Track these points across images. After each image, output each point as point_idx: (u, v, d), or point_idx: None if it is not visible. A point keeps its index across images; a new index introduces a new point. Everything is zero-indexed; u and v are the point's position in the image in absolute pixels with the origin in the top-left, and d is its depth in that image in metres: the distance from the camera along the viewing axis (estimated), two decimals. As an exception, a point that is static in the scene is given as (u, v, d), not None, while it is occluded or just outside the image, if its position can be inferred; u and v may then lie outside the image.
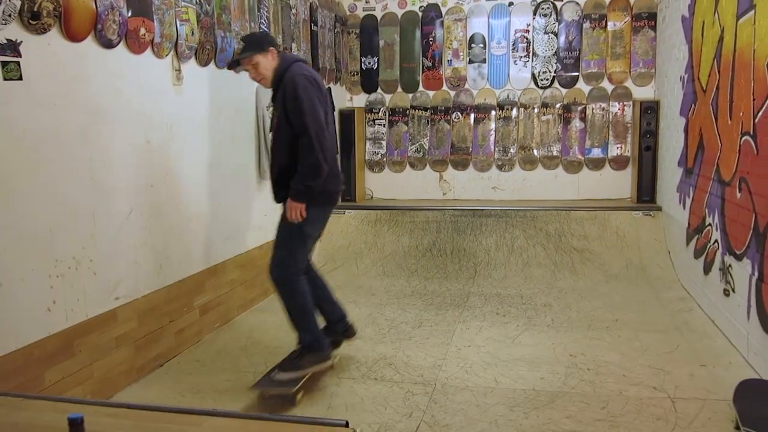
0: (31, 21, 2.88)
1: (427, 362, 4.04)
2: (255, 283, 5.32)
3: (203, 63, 4.43)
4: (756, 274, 3.78)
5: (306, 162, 3.44)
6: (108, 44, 3.40)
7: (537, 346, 4.28)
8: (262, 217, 5.42)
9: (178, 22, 4.01)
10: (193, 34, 4.18)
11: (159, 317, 3.98)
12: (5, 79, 2.80)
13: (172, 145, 4.13)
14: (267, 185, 5.40)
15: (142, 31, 3.64)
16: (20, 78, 2.86)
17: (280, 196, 3.68)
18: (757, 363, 3.67)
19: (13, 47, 2.82)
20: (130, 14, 3.52)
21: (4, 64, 2.79)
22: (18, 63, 2.85)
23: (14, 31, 2.84)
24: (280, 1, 5.61)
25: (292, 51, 5.91)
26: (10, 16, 2.76)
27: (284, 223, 3.66)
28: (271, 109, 5.38)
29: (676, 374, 3.73)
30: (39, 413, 1.96)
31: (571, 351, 4.16)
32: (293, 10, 5.91)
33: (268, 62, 3.58)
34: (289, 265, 3.64)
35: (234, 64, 3.82)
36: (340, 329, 4.04)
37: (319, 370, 3.70)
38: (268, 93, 5.31)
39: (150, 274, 3.89)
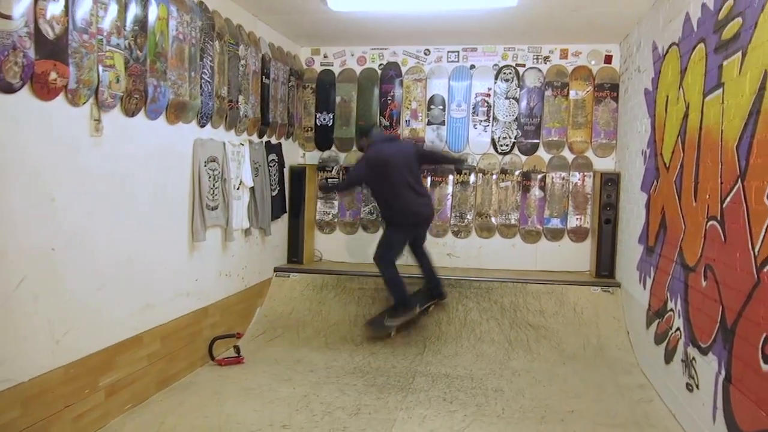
0: None
1: (361, 460, 3.59)
2: (179, 357, 4.79)
3: (130, 113, 4.01)
4: (723, 373, 3.46)
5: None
6: (7, 88, 2.97)
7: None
8: (192, 282, 4.94)
9: (100, 68, 3.61)
10: (118, 81, 3.78)
11: (51, 402, 3.42)
12: None
13: (83, 203, 3.65)
14: (200, 247, 5.00)
15: (53, 75, 3.22)
16: None
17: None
18: (725, 474, 3.32)
19: None
20: (37, 57, 3.11)
21: None
22: None
23: None
24: (227, 52, 5.27)
25: (239, 103, 5.56)
26: None
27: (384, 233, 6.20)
28: (212, 164, 5.03)
29: (636, 486, 3.34)
30: None
31: (522, 450, 3.76)
32: (242, 61, 5.57)
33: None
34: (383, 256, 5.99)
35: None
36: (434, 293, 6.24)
37: (408, 318, 5.94)
38: (206, 149, 4.98)
39: (42, 351, 3.37)
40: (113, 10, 3.71)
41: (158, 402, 4.38)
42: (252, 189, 5.87)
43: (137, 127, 4.15)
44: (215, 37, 5.07)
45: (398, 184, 5.73)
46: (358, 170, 6.01)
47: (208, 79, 4.96)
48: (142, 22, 4.03)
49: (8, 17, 2.91)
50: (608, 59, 6.87)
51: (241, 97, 5.59)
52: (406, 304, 5.88)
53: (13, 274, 3.14)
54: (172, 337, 4.69)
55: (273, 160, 6.48)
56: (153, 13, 4.15)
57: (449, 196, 7.20)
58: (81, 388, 3.68)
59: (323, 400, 4.49)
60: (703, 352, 3.81)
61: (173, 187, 4.64)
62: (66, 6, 3.30)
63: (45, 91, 3.21)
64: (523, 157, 7.08)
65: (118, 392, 4.05)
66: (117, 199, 3.98)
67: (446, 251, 7.22)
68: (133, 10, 3.93)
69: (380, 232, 7.35)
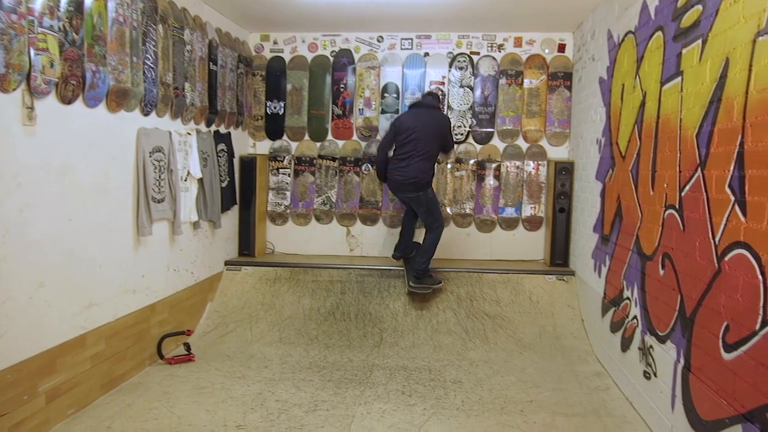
0: None
1: (320, 460, 3.48)
2: (126, 356, 4.57)
3: (67, 101, 3.74)
4: (682, 361, 3.46)
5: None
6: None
7: (445, 436, 3.80)
8: (138, 278, 4.71)
9: (32, 51, 3.35)
10: (52, 66, 3.51)
11: (-15, 412, 3.19)
12: None
13: (16, 197, 3.39)
14: (146, 241, 4.77)
15: (-21, 59, 2.97)
16: None
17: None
18: (686, 463, 3.32)
19: None
20: (-40, 38, 2.86)
21: None
22: None
23: None
24: (171, 36, 5.02)
25: (185, 91, 5.31)
26: None
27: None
28: (158, 155, 4.79)
29: (599, 477, 3.32)
30: None
31: (483, 444, 3.70)
32: (188, 47, 5.32)
33: None
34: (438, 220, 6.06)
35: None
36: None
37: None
38: (150, 139, 4.73)
39: (-27, 358, 3.13)
40: (46, -12, 3.45)
41: (104, 405, 4.16)
42: (200, 180, 5.63)
43: (75, 115, 3.88)
44: (158, 21, 4.81)
45: (415, 150, 5.91)
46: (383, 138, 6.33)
47: (152, 65, 4.71)
48: (77, 3, 3.74)
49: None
50: (562, 48, 6.86)
51: (187, 85, 5.34)
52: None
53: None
54: (118, 336, 4.45)
55: (222, 150, 6.25)
56: (91, -8, 3.88)
57: (404, 186, 7.09)
58: (19, 394, 3.45)
59: (279, 398, 4.35)
60: (661, 340, 3.81)
61: (116, 179, 4.39)
62: (-8, -17, 3.04)
63: (-30, 75, 2.95)
64: (478, 146, 7.03)
65: (60, 397, 3.81)
66: (55, 191, 3.72)
67: (401, 242, 7.12)
68: (68, -10, 3.67)
69: (334, 223, 7.24)
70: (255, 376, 4.77)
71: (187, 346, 5.15)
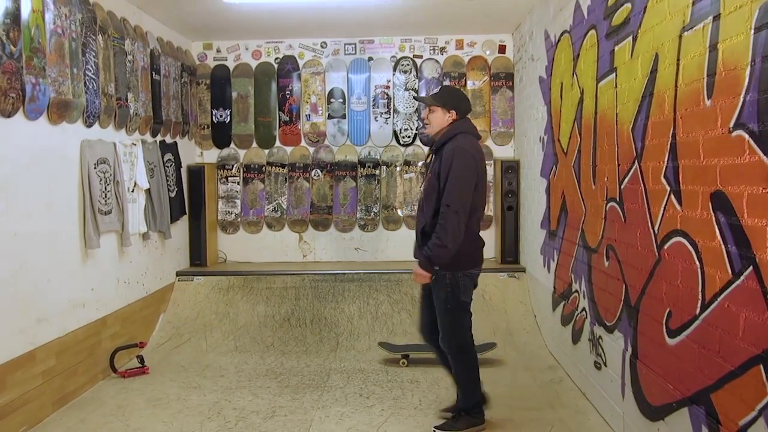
0: None
1: (280, 465, 3.48)
2: (78, 371, 4.48)
3: (7, 114, 3.67)
4: (629, 349, 3.58)
5: (437, 236, 3.60)
6: None
7: (404, 434, 3.83)
8: (87, 291, 4.63)
9: (-33, 65, 3.28)
10: (-11, 79, 3.45)
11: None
12: None
13: (-42, 212, 3.32)
14: (95, 254, 4.68)
15: None
16: None
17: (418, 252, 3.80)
18: (636, 446, 3.43)
19: None
20: None
21: None
22: None
23: None
24: (111, 47, 4.94)
25: (128, 101, 5.23)
26: None
27: (438, 293, 3.75)
28: (103, 166, 4.71)
29: (555, 466, 3.40)
30: None
31: (442, 439, 3.75)
32: (129, 56, 5.24)
33: (440, 118, 3.81)
34: (457, 336, 3.78)
35: (420, 101, 4.18)
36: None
37: None
38: (95, 150, 4.65)
39: None
40: (-20, 1, 3.38)
41: (56, 421, 4.08)
42: (148, 191, 5.55)
43: (16, 128, 3.82)
44: (98, 31, 4.74)
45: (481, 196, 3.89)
46: (463, 186, 3.65)
47: (93, 76, 4.63)
48: (14, 15, 3.68)
49: None
50: (502, 49, 7.01)
51: (130, 95, 5.26)
52: (478, 412, 3.91)
53: None
54: (69, 351, 4.37)
55: (169, 160, 6.17)
56: (26, 5, 3.80)
57: (354, 190, 7.13)
58: (-35, 415, 3.35)
59: (236, 406, 4.33)
60: (609, 330, 3.93)
61: (61, 192, 4.31)
62: None
63: None
64: (425, 148, 7.10)
65: (11, 414, 3.73)
66: (-3, 206, 3.64)
67: (354, 245, 7.15)
68: (3, 2, 3.58)
69: (286, 230, 7.20)
70: (211, 386, 4.73)
71: (141, 359, 5.07)
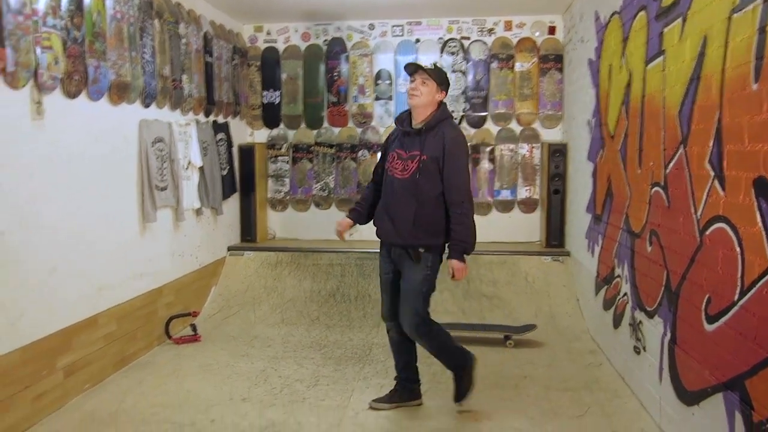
0: None
1: (320, 429, 3.66)
2: (136, 336, 4.79)
3: (72, 95, 3.90)
4: (668, 335, 3.59)
5: (464, 222, 3.67)
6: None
7: (441, 409, 3.95)
8: (145, 262, 4.90)
9: (38, 50, 3.50)
10: (57, 63, 3.66)
11: (10, 384, 3.42)
12: None
13: (29, 186, 3.58)
14: (152, 228, 4.92)
15: (-10, 57, 3.10)
16: None
17: (408, 240, 3.70)
18: (671, 431, 3.45)
19: None
20: (-32, 38, 2.98)
21: None
22: None
23: None
24: (167, 30, 5.13)
25: (182, 83, 5.44)
26: None
27: (416, 275, 3.73)
28: (159, 144, 4.92)
29: (587, 443, 3.45)
30: None
31: (477, 416, 3.85)
32: (183, 40, 5.43)
33: (431, 94, 3.70)
34: (425, 316, 3.81)
35: (413, 67, 3.81)
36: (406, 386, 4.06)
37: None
38: (152, 129, 4.86)
39: (-1, 334, 3.33)
40: (47, -11, 3.58)
41: (117, 381, 4.37)
42: (201, 168, 5.78)
43: (80, 108, 4.05)
44: (154, 16, 4.94)
45: None
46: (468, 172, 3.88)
47: (150, 59, 4.84)
48: (78, 2, 3.91)
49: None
50: (552, 30, 6.95)
51: (184, 77, 5.47)
52: (471, 364, 3.99)
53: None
54: (128, 317, 4.67)
55: (221, 139, 6.38)
56: (89, -9, 4.00)
57: (400, 171, 7.20)
58: (39, 369, 3.68)
59: (281, 374, 4.53)
60: (650, 315, 3.94)
61: (121, 169, 4.58)
62: (-2, -15, 3.16)
63: (-22, 73, 3.08)
64: (472, 130, 7.13)
65: (76, 373, 4.04)
66: (64, 181, 3.91)
67: (399, 226, 7.25)
68: (68, -11, 3.79)
69: (333, 208, 7.36)
70: (259, 355, 4.95)
71: (194, 327, 5.34)
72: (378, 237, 3.93)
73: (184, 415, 3.78)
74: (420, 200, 3.65)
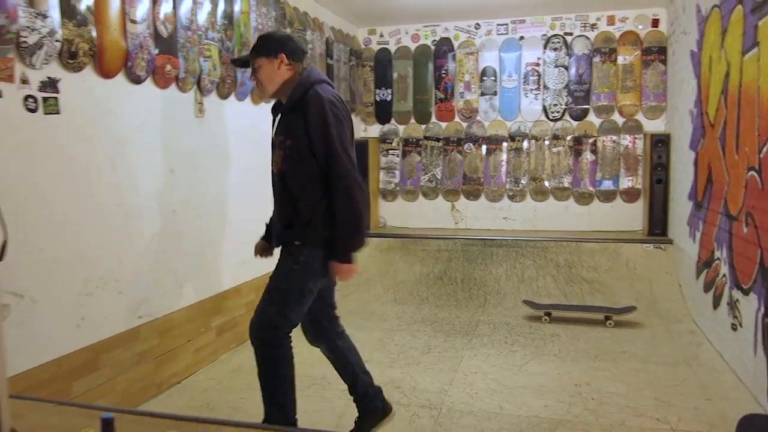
0: (69, 60, 3.07)
1: (434, 387, 4.13)
2: (270, 306, 5.49)
3: (224, 96, 4.61)
4: (762, 309, 3.83)
5: (346, 209, 2.87)
6: (137, 80, 3.58)
7: (543, 374, 4.34)
8: (278, 243, 5.59)
9: (201, 59, 4.19)
10: (215, 69, 4.36)
11: (177, 336, 4.15)
12: (46, 114, 3.02)
13: (193, 173, 4.31)
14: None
15: (168, 67, 3.82)
16: (58, 112, 3.08)
17: (282, 238, 3.10)
18: (764, 399, 3.71)
19: (52, 84, 3.03)
20: (157, 52, 3.70)
21: (45, 99, 3.00)
22: (56, 98, 3.07)
23: (54, 69, 3.06)
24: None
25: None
26: (50, 56, 2.95)
27: (280, 275, 3.06)
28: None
29: (680, 407, 3.77)
30: (71, 418, 2.11)
31: (576, 381, 4.22)
32: (310, 45, 6.09)
33: (272, 71, 2.92)
34: (279, 326, 3.03)
35: (237, 63, 3.25)
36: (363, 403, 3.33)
37: None
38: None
39: (170, 294, 4.06)
40: (207, 7, 4.28)
41: (256, 344, 5.08)
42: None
43: (229, 108, 4.76)
44: (287, 25, 5.59)
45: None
46: (345, 141, 2.98)
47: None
48: (229, 17, 4.58)
49: (135, 22, 3.49)
50: (655, 23, 7.11)
51: (311, 79, 6.13)
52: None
53: (146, 232, 3.82)
54: (262, 290, 5.29)
55: (340, 134, 7.01)
56: (237, 7, 4.69)
57: (503, 163, 7.61)
58: (198, 326, 4.40)
59: (397, 343, 5.08)
60: (745, 292, 4.17)
61: (261, 160, 5.22)
62: (174, 7, 3.86)
63: (162, 80, 3.82)
64: (574, 123, 7.41)
65: (226, 332, 4.75)
66: (217, 171, 4.63)
67: (503, 215, 7.65)
68: (222, 6, 4.48)
69: (440, 198, 7.87)
70: (375, 327, 5.53)
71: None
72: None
73: (316, 371, 4.36)
74: (294, 194, 2.99)
